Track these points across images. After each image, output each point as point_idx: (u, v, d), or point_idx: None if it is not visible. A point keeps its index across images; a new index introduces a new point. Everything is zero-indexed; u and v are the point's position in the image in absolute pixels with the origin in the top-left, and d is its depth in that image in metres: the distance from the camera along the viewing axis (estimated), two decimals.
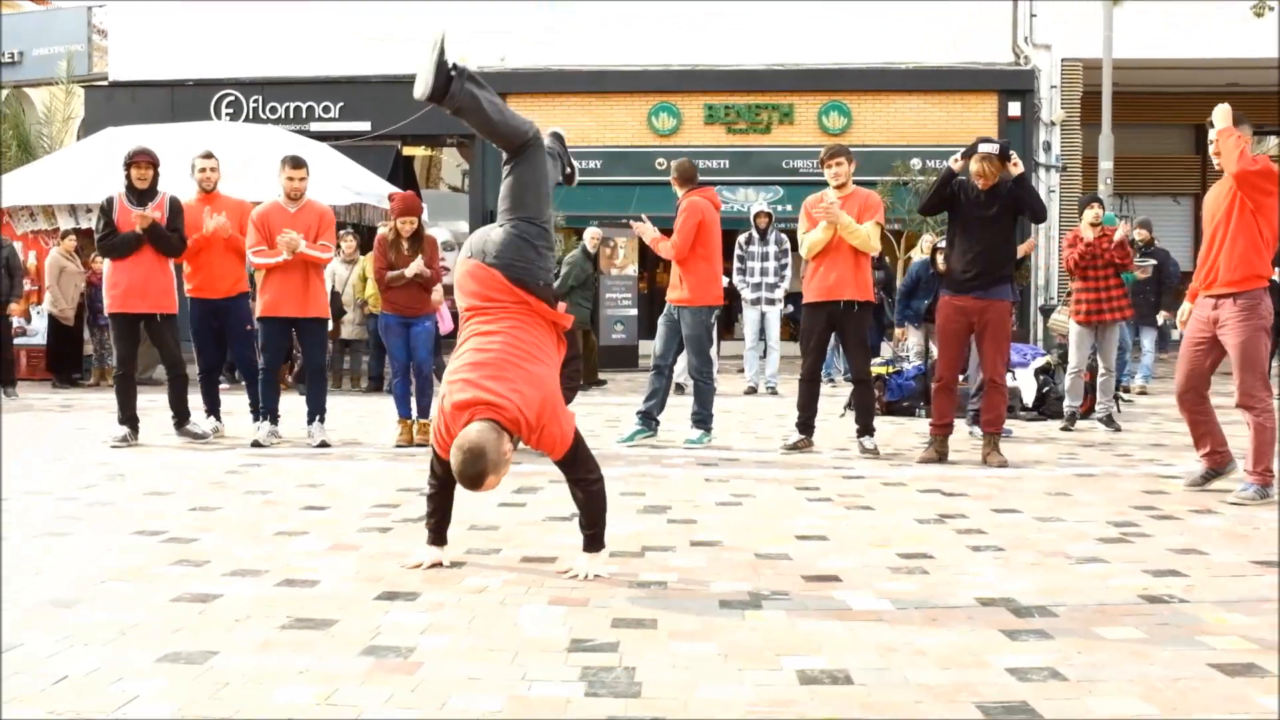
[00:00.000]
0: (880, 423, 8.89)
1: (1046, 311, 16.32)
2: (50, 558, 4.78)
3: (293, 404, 9.17)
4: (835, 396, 11.58)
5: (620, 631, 3.71)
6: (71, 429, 9.69)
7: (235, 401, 9.65)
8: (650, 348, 9.03)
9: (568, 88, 20.86)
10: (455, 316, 5.52)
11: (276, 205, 8.46)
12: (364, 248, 13.86)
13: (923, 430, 8.56)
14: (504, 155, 4.66)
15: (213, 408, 9.01)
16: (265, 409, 8.48)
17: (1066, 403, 9.86)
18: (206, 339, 8.90)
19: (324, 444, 8.27)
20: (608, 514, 4.55)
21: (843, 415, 10.01)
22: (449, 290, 6.02)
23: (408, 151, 22.83)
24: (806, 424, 8.19)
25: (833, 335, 8.51)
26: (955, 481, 6.84)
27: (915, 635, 3.68)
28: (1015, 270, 9.42)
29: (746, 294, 13.35)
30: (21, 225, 14.74)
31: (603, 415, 10.50)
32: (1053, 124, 20.87)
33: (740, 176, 20.99)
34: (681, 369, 12.67)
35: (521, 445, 4.41)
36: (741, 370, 14.32)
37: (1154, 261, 12.71)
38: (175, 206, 8.49)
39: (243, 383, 9.31)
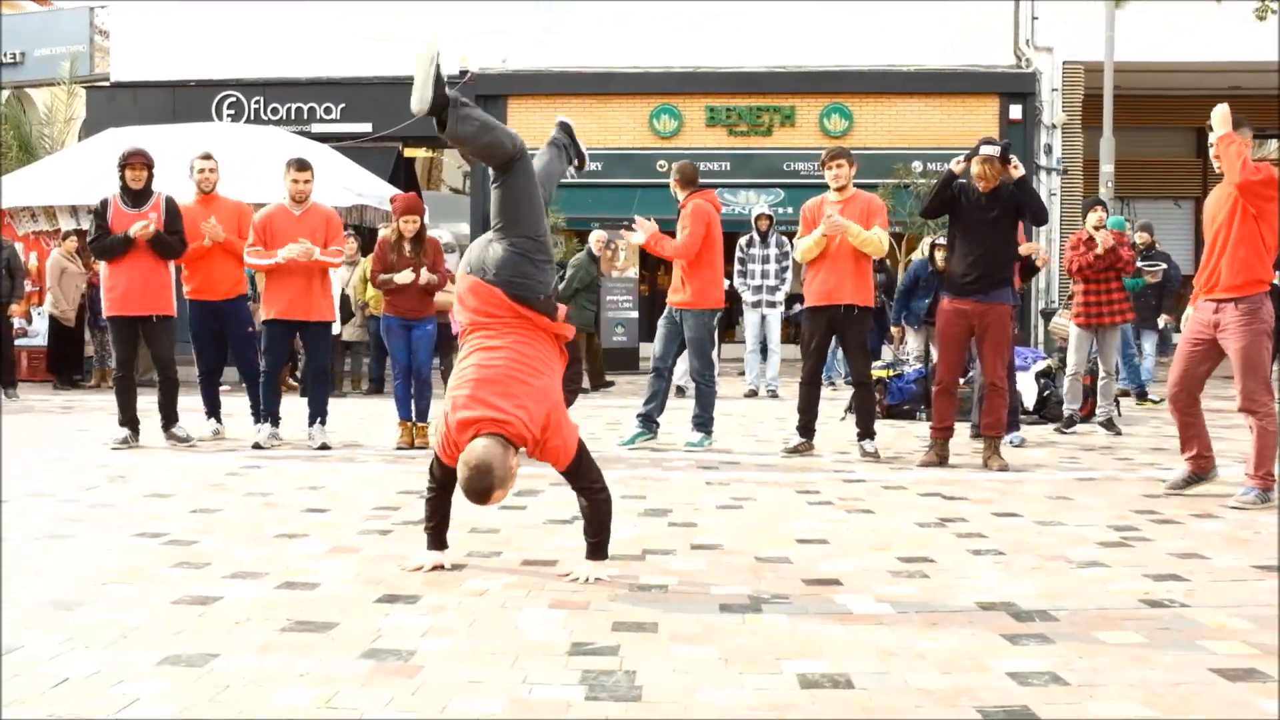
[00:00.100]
0: (881, 426, 8.89)
1: (1047, 315, 16.31)
2: (51, 559, 4.78)
3: (293, 406, 9.17)
4: (836, 400, 11.57)
5: (621, 635, 3.71)
6: (72, 430, 9.70)
7: (236, 404, 9.65)
8: (650, 350, 9.03)
9: (569, 89, 20.86)
10: None
11: (281, 208, 8.45)
12: (365, 249, 13.87)
13: (923, 434, 8.56)
14: (492, 172, 4.65)
15: (213, 410, 9.01)
16: (266, 411, 8.48)
17: (1065, 405, 9.86)
18: (206, 341, 8.89)
19: (324, 446, 8.26)
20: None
21: (843, 418, 10.01)
22: None
23: (409, 153, 22.84)
24: (807, 427, 8.19)
25: (834, 339, 8.51)
26: (956, 485, 6.84)
27: (916, 639, 3.67)
28: (1027, 278, 9.42)
29: (747, 297, 13.36)
30: (23, 226, 14.76)
31: (604, 418, 10.50)
32: (1054, 127, 20.87)
33: (741, 179, 20.99)
34: (682, 372, 12.68)
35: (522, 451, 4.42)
36: (742, 373, 14.33)
37: (1164, 265, 12.64)
38: (171, 207, 8.48)
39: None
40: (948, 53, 20.72)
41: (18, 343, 14.17)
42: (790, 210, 17.63)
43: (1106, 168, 17.93)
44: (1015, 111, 20.79)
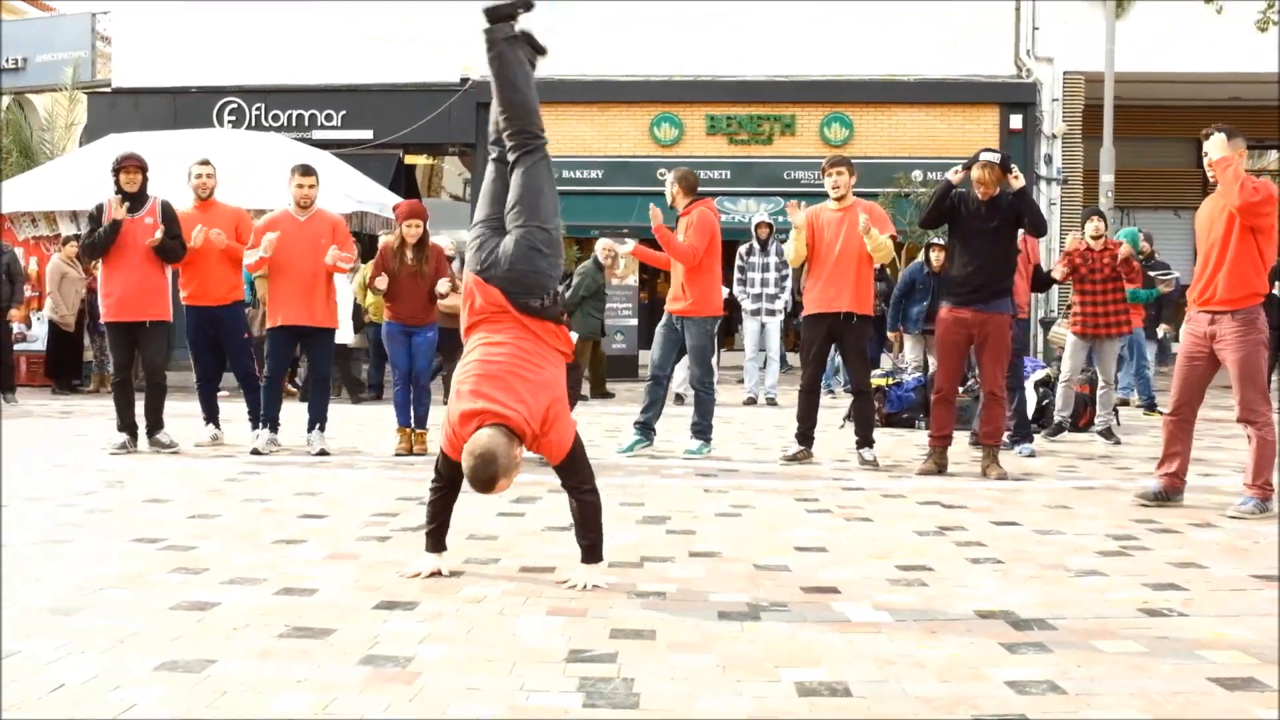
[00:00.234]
0: (880, 434, 8.88)
1: (1047, 324, 16.35)
2: (49, 564, 4.77)
3: (291, 412, 9.16)
4: (835, 408, 11.58)
5: (619, 642, 3.70)
6: (71, 435, 9.69)
7: (234, 409, 9.64)
8: (649, 358, 9.02)
9: (569, 97, 20.86)
10: None
11: (286, 214, 8.45)
12: (365, 256, 13.85)
13: (922, 442, 8.56)
14: (511, 150, 4.68)
15: (211, 415, 9.00)
16: (266, 416, 8.47)
17: (1056, 412, 9.86)
18: (203, 347, 8.88)
19: (323, 452, 8.26)
20: (606, 525, 4.59)
21: (842, 427, 10.01)
22: None
23: (409, 160, 22.86)
24: (806, 435, 8.19)
25: (833, 347, 8.51)
26: (954, 494, 6.84)
27: (914, 647, 3.67)
28: (1042, 288, 9.39)
29: (747, 305, 13.36)
30: (23, 231, 14.77)
31: (602, 425, 10.50)
32: (1054, 137, 20.89)
33: (741, 187, 21.00)
34: (681, 379, 12.70)
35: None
36: (741, 381, 14.33)
37: (1177, 274, 12.57)
38: (168, 211, 8.47)
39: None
40: (948, 62, 20.74)
41: (17, 347, 14.16)
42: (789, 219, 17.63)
43: (1106, 178, 17.94)
44: (1015, 121, 20.81)
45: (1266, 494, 6.11)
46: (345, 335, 12.74)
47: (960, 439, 8.38)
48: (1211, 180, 6.27)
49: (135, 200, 8.37)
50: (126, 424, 8.48)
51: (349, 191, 14.74)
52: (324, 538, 5.37)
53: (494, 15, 4.69)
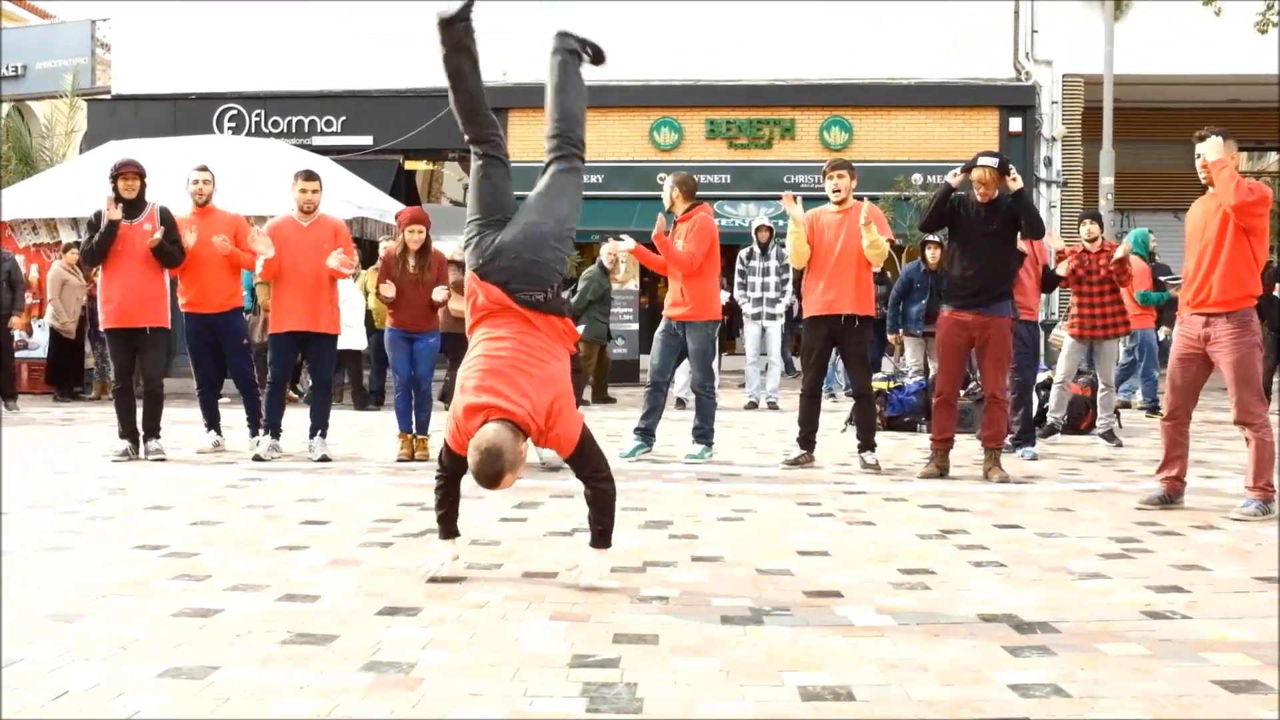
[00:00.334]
0: (881, 438, 8.88)
1: (1047, 327, 16.32)
2: (51, 571, 4.77)
3: (292, 418, 9.16)
4: (836, 412, 11.57)
5: (622, 647, 3.70)
6: (72, 442, 9.69)
7: (236, 416, 9.63)
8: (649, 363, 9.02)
9: None
10: None
11: (289, 219, 8.45)
12: (365, 262, 13.88)
13: (924, 445, 8.56)
14: (550, 154, 4.78)
15: (213, 422, 8.99)
16: (269, 423, 8.46)
17: (1049, 413, 9.86)
18: (203, 354, 8.88)
19: (325, 458, 8.26)
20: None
21: (844, 430, 10.00)
22: None
23: (409, 166, 22.87)
24: (808, 439, 8.19)
25: (834, 350, 8.50)
26: (957, 497, 6.84)
27: (917, 651, 3.67)
28: (1049, 288, 9.35)
29: (747, 309, 13.35)
30: (24, 238, 14.76)
31: (604, 429, 10.49)
32: (1054, 139, 20.91)
33: (741, 191, 21.02)
34: (682, 384, 12.69)
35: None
36: (743, 385, 14.32)
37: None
38: (166, 216, 8.47)
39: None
40: (948, 65, 20.76)
41: (18, 355, 14.16)
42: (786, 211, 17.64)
43: (1106, 180, 17.95)
44: (1015, 124, 20.82)
45: (1268, 495, 6.11)
46: (359, 341, 12.71)
47: (963, 442, 8.37)
48: (1204, 181, 6.29)
49: (133, 206, 8.37)
50: (128, 431, 8.47)
51: (349, 197, 14.75)
52: (326, 544, 5.37)
53: (568, 35, 5.01)
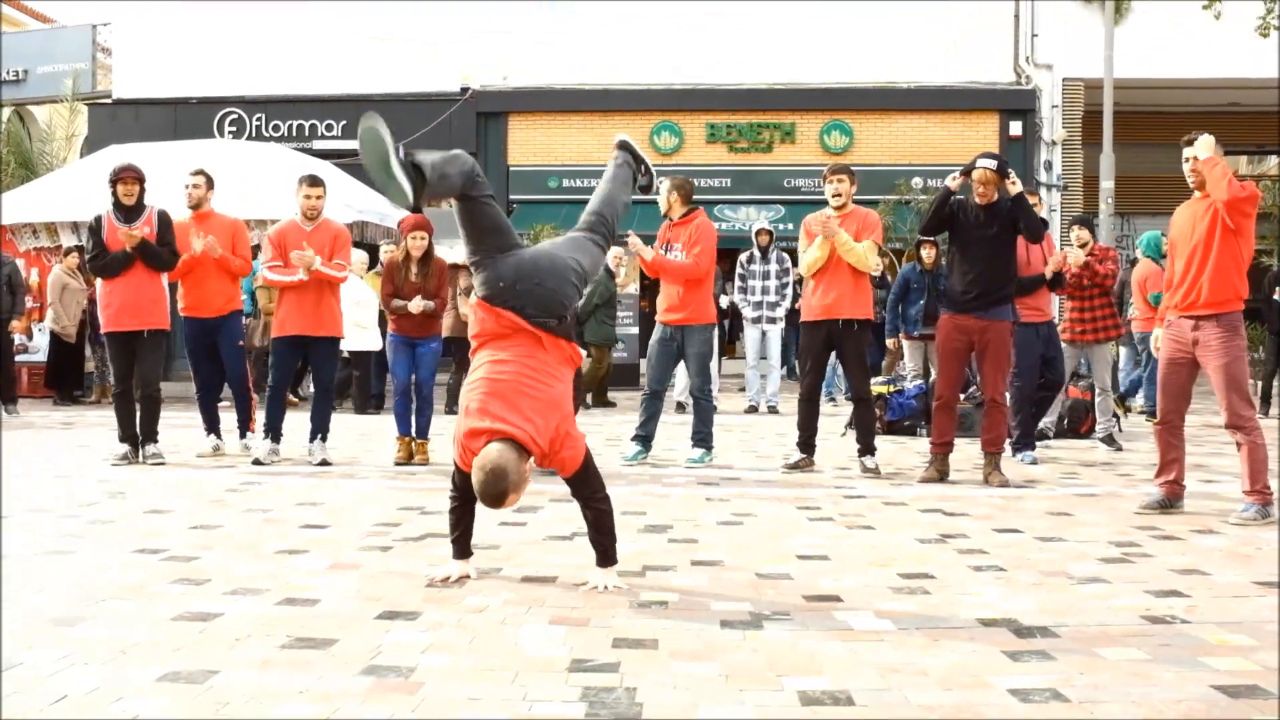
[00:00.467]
0: (881, 442, 8.88)
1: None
2: (51, 575, 4.77)
3: (292, 421, 9.16)
4: (836, 416, 11.57)
5: (621, 651, 3.70)
6: (72, 446, 9.69)
7: (234, 419, 9.63)
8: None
9: (570, 106, 20.93)
10: None
11: (293, 224, 8.46)
12: (373, 264, 13.88)
13: (924, 449, 8.55)
14: (582, 227, 4.95)
15: (212, 426, 9.00)
16: (269, 427, 8.46)
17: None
18: (201, 358, 8.88)
19: (325, 462, 8.26)
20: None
21: (844, 434, 10.00)
22: None
23: None
24: (807, 443, 8.19)
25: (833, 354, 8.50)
26: (956, 501, 6.83)
27: (917, 656, 3.67)
28: (1055, 289, 9.31)
29: (748, 312, 13.37)
30: (24, 242, 14.77)
31: (604, 433, 10.49)
32: (1054, 143, 20.93)
33: (742, 195, 21.04)
34: (682, 388, 12.69)
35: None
36: (743, 389, 14.32)
37: None
38: (164, 220, 8.47)
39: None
40: (948, 69, 20.80)
41: (18, 359, 14.17)
42: (790, 226, 17.67)
43: (1106, 184, 17.96)
44: (1015, 128, 20.86)
45: (1266, 499, 6.11)
46: (374, 342, 12.67)
47: (962, 446, 8.37)
48: (1193, 185, 6.32)
49: (132, 211, 8.38)
50: (128, 435, 8.47)
51: (349, 201, 14.76)
52: (326, 548, 5.37)
53: (629, 148, 5.28)
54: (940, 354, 7.83)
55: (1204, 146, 6.21)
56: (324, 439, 8.44)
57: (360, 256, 12.94)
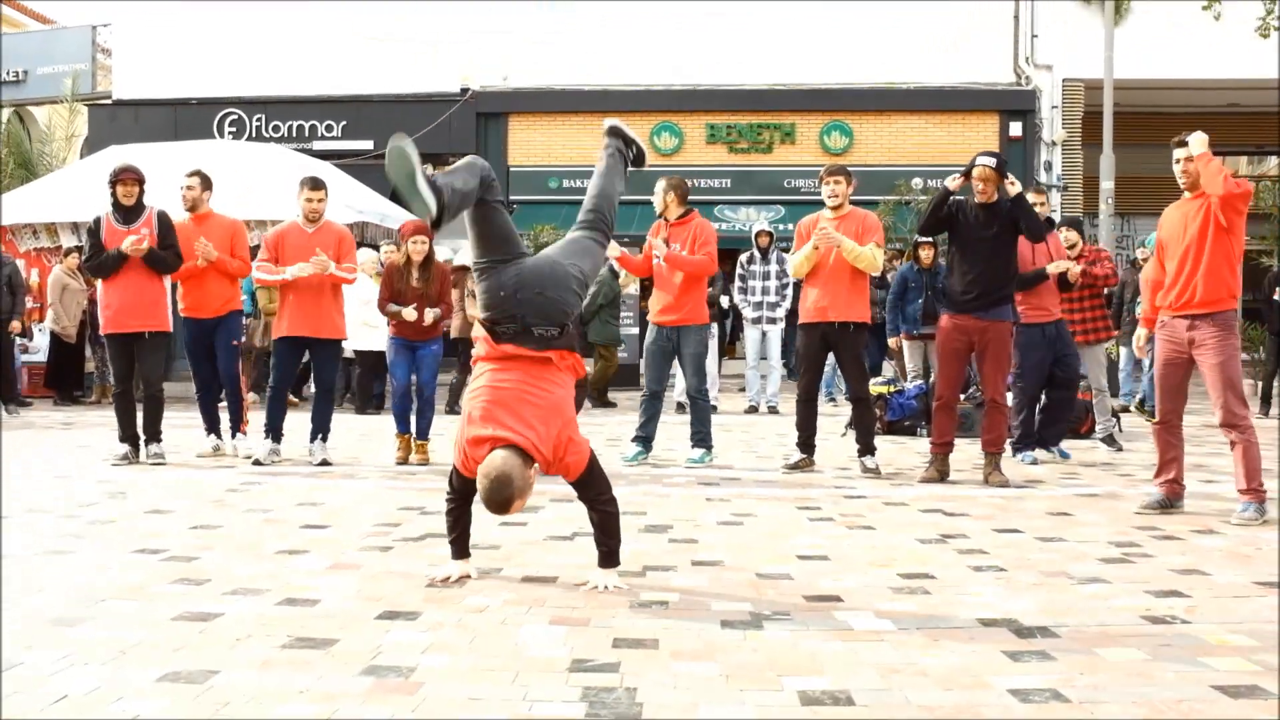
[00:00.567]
0: (881, 442, 8.88)
1: None
2: (51, 575, 4.77)
3: (293, 422, 9.16)
4: (836, 416, 11.57)
5: (621, 651, 3.70)
6: (73, 446, 9.69)
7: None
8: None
9: (570, 107, 20.93)
10: None
11: (294, 226, 8.46)
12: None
13: (924, 449, 8.55)
14: (580, 225, 4.93)
15: (212, 425, 9.00)
16: (270, 427, 8.45)
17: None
18: (201, 358, 8.88)
19: (325, 462, 8.26)
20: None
21: (844, 435, 10.00)
22: None
23: None
24: (807, 443, 8.18)
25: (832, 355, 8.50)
26: (957, 501, 6.83)
27: (917, 656, 3.67)
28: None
29: (748, 313, 13.37)
30: (24, 243, 14.78)
31: (604, 434, 10.49)
32: (1054, 144, 20.94)
33: (742, 196, 21.05)
34: (683, 388, 12.68)
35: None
36: (743, 389, 14.32)
37: None
38: (164, 221, 8.47)
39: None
40: (948, 70, 20.80)
41: (19, 359, 14.17)
42: (790, 227, 17.61)
43: (1106, 184, 17.96)
44: (1015, 128, 20.87)
45: (1262, 497, 6.12)
46: (383, 342, 12.66)
47: (963, 446, 8.37)
48: (1184, 186, 6.32)
49: (131, 212, 8.37)
50: (128, 435, 8.47)
51: (350, 202, 14.75)
52: (326, 548, 5.37)
53: (618, 132, 5.16)
54: (940, 354, 7.84)
55: (1198, 143, 6.22)
56: (324, 439, 8.45)
57: (370, 255, 12.93)
